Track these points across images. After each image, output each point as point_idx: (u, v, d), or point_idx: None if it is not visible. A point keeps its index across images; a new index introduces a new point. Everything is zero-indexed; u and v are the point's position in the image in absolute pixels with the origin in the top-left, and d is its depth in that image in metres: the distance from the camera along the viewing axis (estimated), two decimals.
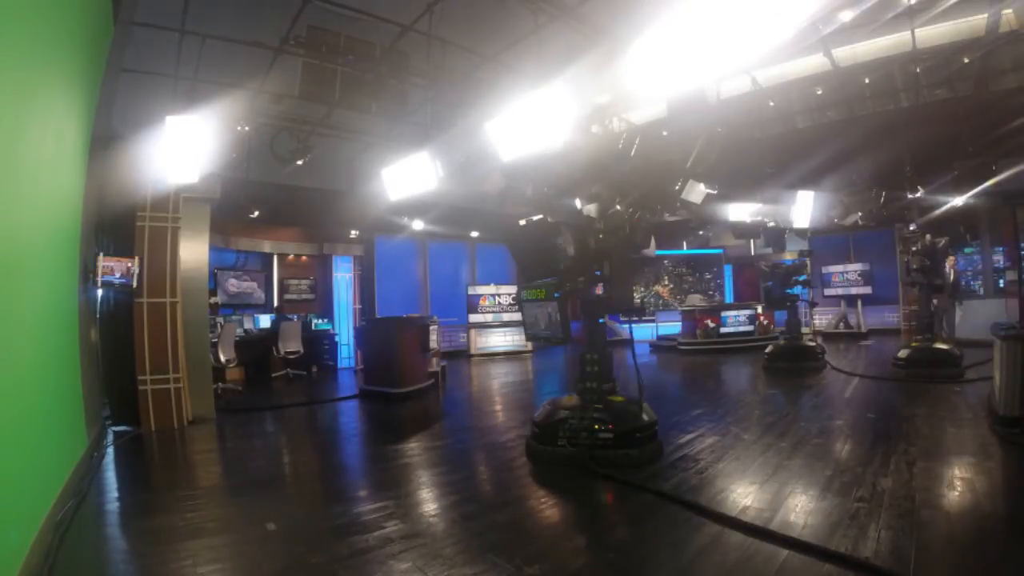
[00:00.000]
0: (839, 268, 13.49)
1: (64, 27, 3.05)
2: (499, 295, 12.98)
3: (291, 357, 9.99)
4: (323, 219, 10.84)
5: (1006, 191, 7.80)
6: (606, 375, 4.35)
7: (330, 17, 6.17)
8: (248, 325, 10.15)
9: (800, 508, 3.01)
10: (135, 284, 5.70)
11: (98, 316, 6.00)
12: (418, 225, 10.98)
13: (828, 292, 13.50)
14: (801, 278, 8.94)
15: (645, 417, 4.12)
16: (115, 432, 5.65)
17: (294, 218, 10.98)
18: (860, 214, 8.74)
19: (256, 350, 9.78)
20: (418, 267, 13.13)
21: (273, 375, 10.05)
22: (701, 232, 14.87)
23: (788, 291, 8.96)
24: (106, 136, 5.47)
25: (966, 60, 6.01)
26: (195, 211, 6.44)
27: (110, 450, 5.00)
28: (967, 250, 11.62)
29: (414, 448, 4.92)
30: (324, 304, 11.83)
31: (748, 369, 9.01)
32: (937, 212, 9.49)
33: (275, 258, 11.31)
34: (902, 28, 5.83)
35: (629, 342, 5.68)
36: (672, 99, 4.10)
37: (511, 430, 5.36)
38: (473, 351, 12.64)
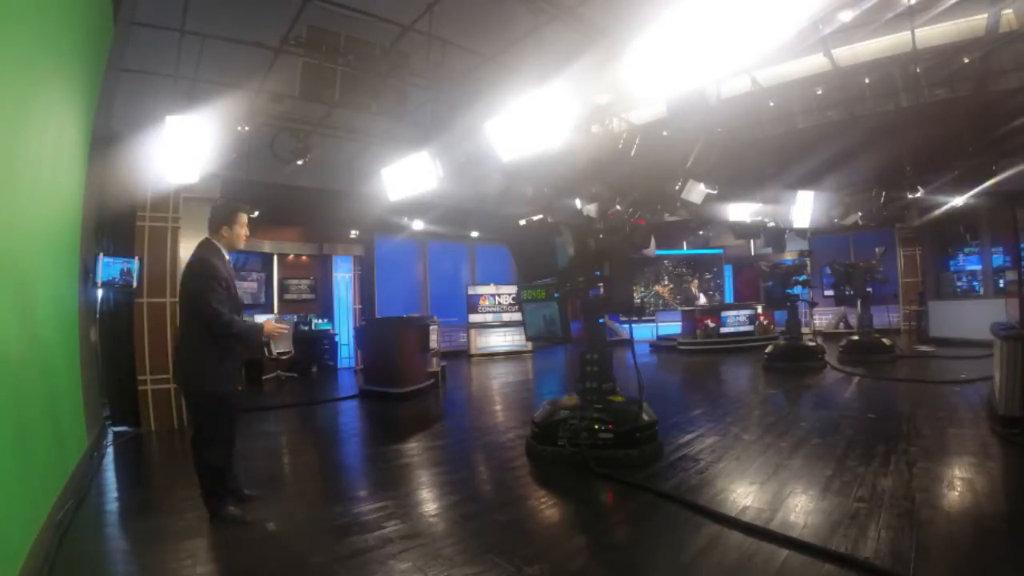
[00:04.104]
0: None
1: (64, 27, 3.04)
2: (499, 295, 12.97)
3: (282, 359, 9.73)
4: (323, 219, 10.83)
5: (1006, 191, 7.79)
6: (606, 375, 4.35)
7: (330, 17, 6.16)
8: None
9: (800, 508, 3.01)
10: (135, 284, 5.70)
11: (98, 316, 5.99)
12: (418, 225, 10.98)
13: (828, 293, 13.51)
14: (801, 278, 8.94)
15: (645, 417, 4.12)
16: (115, 432, 5.65)
17: (294, 218, 10.97)
18: (860, 214, 8.75)
19: (254, 350, 9.70)
20: (418, 267, 13.13)
21: (263, 377, 9.59)
22: (701, 232, 14.89)
23: (788, 291, 8.96)
24: (106, 136, 5.46)
25: (966, 60, 6.01)
26: (195, 211, 6.43)
27: (110, 450, 5.00)
28: (967, 250, 11.63)
29: (414, 448, 4.92)
30: (324, 304, 11.83)
31: (748, 369, 9.00)
32: (937, 212, 9.52)
33: (275, 258, 11.30)
34: (902, 28, 5.82)
35: (629, 342, 5.68)
36: (672, 99, 4.10)
37: (511, 430, 5.36)
38: (473, 351, 12.64)
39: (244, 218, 3.23)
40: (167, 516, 3.28)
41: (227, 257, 3.17)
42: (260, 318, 10.08)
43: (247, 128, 6.01)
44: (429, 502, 3.56)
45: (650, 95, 6.49)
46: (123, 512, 3.54)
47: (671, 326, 13.18)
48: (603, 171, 4.43)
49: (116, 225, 5.95)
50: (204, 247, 3.10)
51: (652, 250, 4.94)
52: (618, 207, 4.45)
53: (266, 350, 9.51)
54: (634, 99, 7.06)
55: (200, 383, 3.03)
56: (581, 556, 2.68)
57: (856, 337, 9.31)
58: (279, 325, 3.24)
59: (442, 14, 5.13)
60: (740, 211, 7.90)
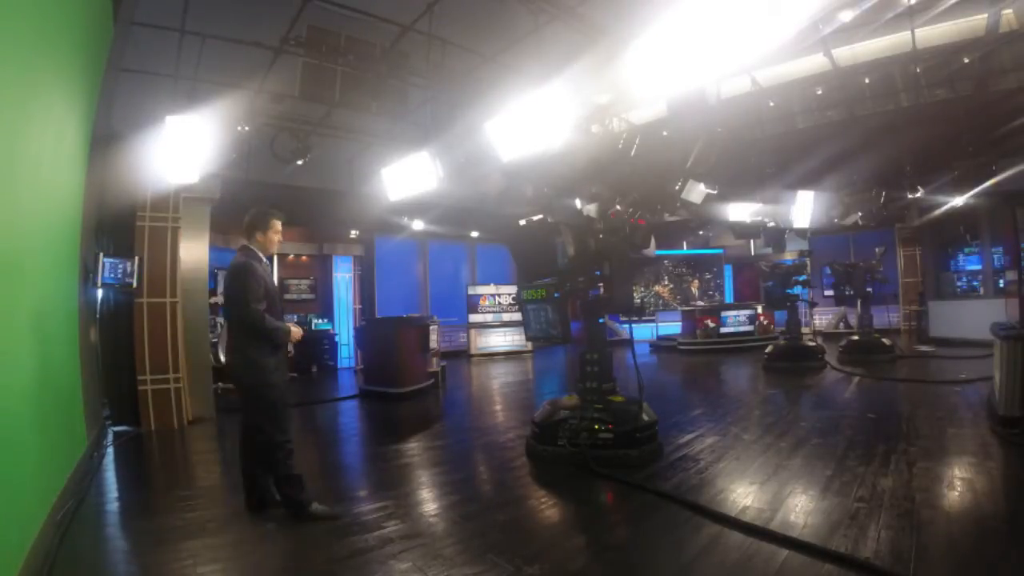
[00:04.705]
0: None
1: (64, 27, 3.04)
2: (499, 295, 12.97)
3: None
4: (323, 219, 10.82)
5: (1006, 191, 7.80)
6: (606, 375, 4.35)
7: (330, 17, 6.16)
8: None
9: (800, 508, 3.01)
10: (135, 284, 5.70)
11: (98, 316, 5.99)
12: (418, 225, 10.98)
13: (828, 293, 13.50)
14: (801, 278, 8.94)
15: (645, 417, 4.12)
16: (115, 432, 5.65)
17: (294, 218, 10.92)
18: (860, 214, 8.75)
19: None
20: (418, 267, 13.13)
21: None
22: (701, 232, 14.89)
23: (788, 291, 8.96)
24: (106, 136, 5.46)
25: (966, 60, 6.01)
26: (195, 211, 6.44)
27: (110, 450, 5.00)
28: (967, 250, 11.63)
29: (414, 448, 4.92)
30: (324, 304, 11.84)
31: (748, 369, 9.00)
32: (937, 212, 9.52)
33: (275, 258, 11.30)
34: (902, 28, 5.83)
35: (629, 342, 5.68)
36: (672, 99, 4.10)
37: (511, 430, 5.36)
38: (473, 351, 12.63)
39: (278, 224, 3.51)
40: (167, 516, 3.28)
41: (264, 260, 3.40)
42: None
43: (247, 128, 6.01)
44: (429, 502, 3.56)
45: (650, 95, 6.49)
46: (123, 512, 3.54)
47: (671, 326, 13.18)
48: (603, 171, 4.42)
49: (116, 225, 5.95)
50: (243, 251, 3.33)
51: (652, 250, 4.94)
52: (618, 207, 4.44)
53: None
54: (634, 99, 7.05)
55: (252, 378, 3.15)
56: (581, 556, 2.68)
57: (856, 337, 9.31)
58: (298, 330, 3.39)
59: (442, 14, 5.13)
60: (740, 211, 7.89)
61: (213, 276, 9.39)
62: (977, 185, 8.05)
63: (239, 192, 7.31)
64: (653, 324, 13.60)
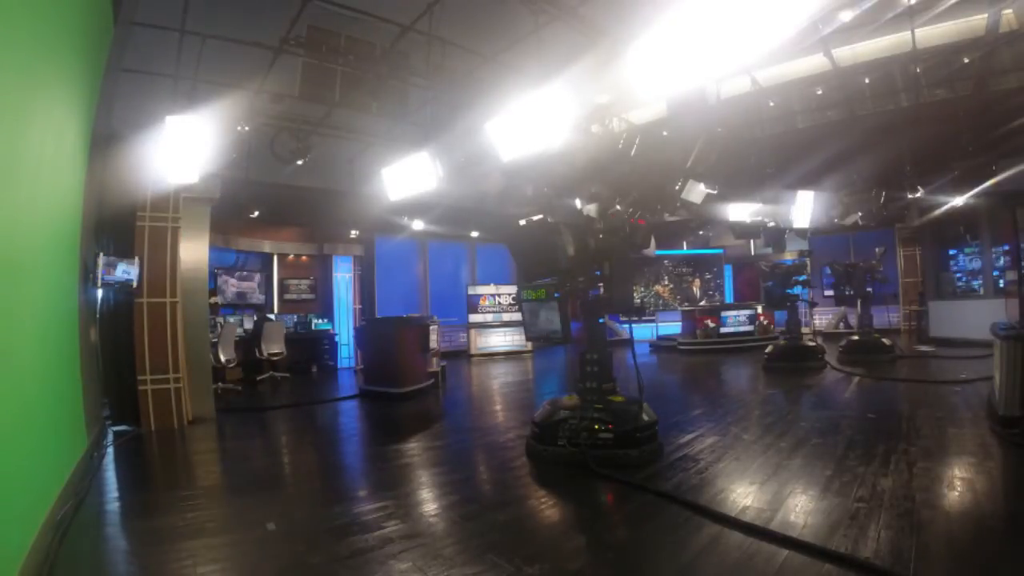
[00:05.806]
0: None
1: (64, 27, 3.04)
2: (499, 295, 12.98)
3: (275, 359, 9.72)
4: (323, 219, 10.83)
5: (1006, 191, 7.80)
6: (606, 375, 4.35)
7: (330, 17, 6.16)
8: (248, 325, 10.15)
9: (800, 508, 3.01)
10: (135, 284, 5.70)
11: (98, 316, 5.99)
12: (418, 225, 10.98)
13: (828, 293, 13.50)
14: (801, 278, 8.94)
15: (645, 417, 4.12)
16: (115, 432, 5.65)
17: (294, 218, 10.97)
18: (860, 214, 8.75)
19: (252, 350, 9.72)
20: (418, 267, 13.14)
21: (258, 378, 9.52)
22: (701, 232, 14.89)
23: (788, 291, 8.97)
24: (106, 136, 5.46)
25: (966, 60, 6.01)
26: (195, 211, 6.44)
27: (110, 450, 5.00)
28: (967, 250, 11.63)
29: (414, 448, 4.92)
30: (324, 304, 11.84)
31: (748, 369, 9.00)
32: (937, 212, 9.53)
33: (275, 258, 11.31)
34: (902, 28, 5.83)
35: (629, 342, 5.68)
36: (672, 99, 4.10)
37: (511, 430, 5.36)
38: (473, 351, 12.64)
39: None
40: (167, 516, 3.28)
41: None
42: None
43: (247, 128, 6.01)
44: (429, 502, 3.56)
45: (650, 95, 6.49)
46: (123, 512, 3.54)
47: (671, 326, 13.18)
48: (603, 171, 4.43)
49: (116, 225, 5.95)
50: None
51: (652, 250, 4.95)
52: (618, 207, 4.45)
53: (257, 351, 9.48)
54: (634, 99, 7.06)
55: None
56: (581, 556, 2.68)
57: (856, 337, 9.32)
58: None
59: (442, 14, 5.13)
60: (740, 211, 7.90)
61: (213, 276, 9.42)
62: (977, 185, 8.05)
63: (239, 192, 7.32)
64: (653, 324, 13.61)
